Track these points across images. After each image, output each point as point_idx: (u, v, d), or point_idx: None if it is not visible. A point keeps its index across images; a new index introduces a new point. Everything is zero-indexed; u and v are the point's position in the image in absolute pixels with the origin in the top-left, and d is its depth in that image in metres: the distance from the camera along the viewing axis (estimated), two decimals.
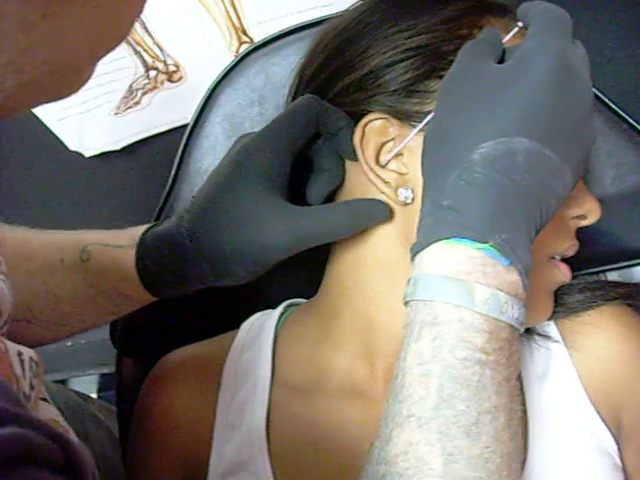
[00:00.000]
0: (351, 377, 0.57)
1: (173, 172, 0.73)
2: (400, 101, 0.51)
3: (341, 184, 0.57)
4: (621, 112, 0.63)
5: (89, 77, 0.35)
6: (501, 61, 0.47)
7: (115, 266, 0.57)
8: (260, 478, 0.55)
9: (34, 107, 0.34)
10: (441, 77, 0.48)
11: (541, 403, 0.54)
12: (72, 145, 1.00)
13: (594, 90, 0.63)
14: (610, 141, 0.63)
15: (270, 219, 0.53)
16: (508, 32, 0.49)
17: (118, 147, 1.01)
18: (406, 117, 0.51)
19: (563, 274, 0.55)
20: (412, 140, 0.51)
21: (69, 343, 1.25)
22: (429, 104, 0.51)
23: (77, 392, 0.85)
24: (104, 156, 1.01)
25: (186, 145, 0.73)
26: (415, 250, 0.44)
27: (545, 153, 0.42)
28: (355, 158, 0.54)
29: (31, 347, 0.57)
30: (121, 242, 0.58)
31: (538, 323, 0.56)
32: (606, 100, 0.63)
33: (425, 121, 0.50)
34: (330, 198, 0.58)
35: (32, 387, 0.41)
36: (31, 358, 0.46)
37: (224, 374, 0.61)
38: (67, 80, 0.34)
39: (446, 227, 0.42)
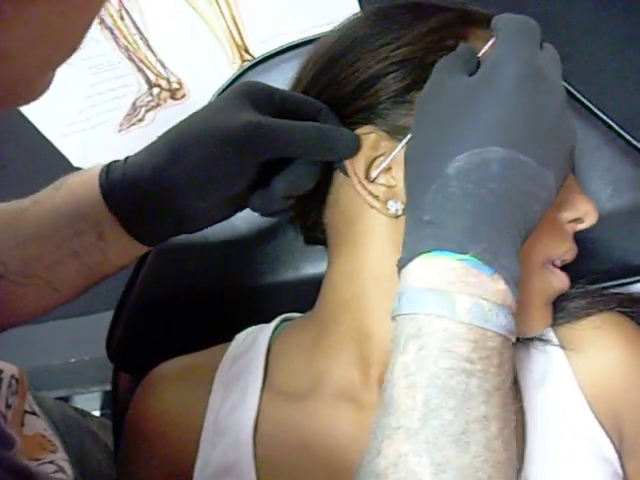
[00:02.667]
0: (345, 383, 0.57)
1: None
2: (388, 114, 0.52)
3: (330, 196, 0.57)
4: (617, 127, 0.62)
5: (50, 83, 0.35)
6: None
7: (81, 187, 0.54)
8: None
9: None
10: None
11: (540, 408, 0.53)
12: (76, 161, 1.01)
13: (589, 105, 0.63)
14: (606, 157, 0.63)
15: (233, 109, 0.51)
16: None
17: None
18: (394, 131, 0.52)
19: (560, 281, 0.54)
20: (400, 153, 0.50)
21: (72, 360, 1.25)
22: None
23: (76, 409, 0.84)
24: None
25: None
26: (400, 266, 0.44)
27: (520, 159, 0.41)
28: (345, 171, 0.53)
29: (12, 323, 0.53)
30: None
31: (535, 333, 0.55)
32: (601, 115, 0.63)
33: (410, 135, 0.49)
34: (318, 211, 0.58)
35: (8, 406, 0.40)
36: (12, 376, 0.45)
37: (215, 381, 0.60)
38: (22, 93, 0.34)
39: (427, 241, 0.42)
